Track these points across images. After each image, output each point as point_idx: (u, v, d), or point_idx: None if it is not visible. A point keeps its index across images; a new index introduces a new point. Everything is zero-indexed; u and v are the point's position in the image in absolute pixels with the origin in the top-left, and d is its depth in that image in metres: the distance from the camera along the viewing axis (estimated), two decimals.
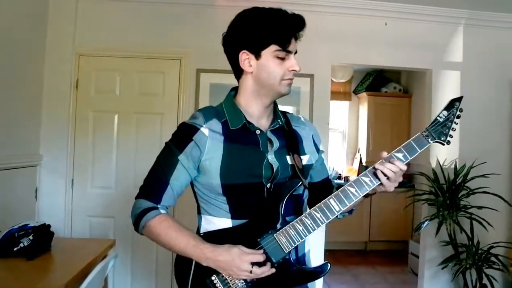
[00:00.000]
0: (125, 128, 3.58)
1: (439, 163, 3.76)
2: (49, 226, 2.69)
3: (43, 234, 2.59)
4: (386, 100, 6.32)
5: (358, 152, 6.60)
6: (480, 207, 3.53)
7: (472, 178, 3.59)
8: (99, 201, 3.55)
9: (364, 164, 6.32)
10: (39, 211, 3.40)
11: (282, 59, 1.36)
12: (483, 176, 3.57)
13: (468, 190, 3.59)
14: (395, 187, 1.36)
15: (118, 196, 3.53)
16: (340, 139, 6.87)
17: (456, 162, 3.75)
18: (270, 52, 1.35)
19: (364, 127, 6.37)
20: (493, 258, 3.50)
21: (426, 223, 3.65)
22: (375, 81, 6.39)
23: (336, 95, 6.38)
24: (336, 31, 3.75)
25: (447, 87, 3.89)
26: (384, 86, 6.40)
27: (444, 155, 3.80)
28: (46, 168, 3.44)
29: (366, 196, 1.38)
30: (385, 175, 1.32)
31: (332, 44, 3.75)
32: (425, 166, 3.87)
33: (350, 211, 1.48)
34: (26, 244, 2.45)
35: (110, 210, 3.52)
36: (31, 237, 2.47)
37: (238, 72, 1.44)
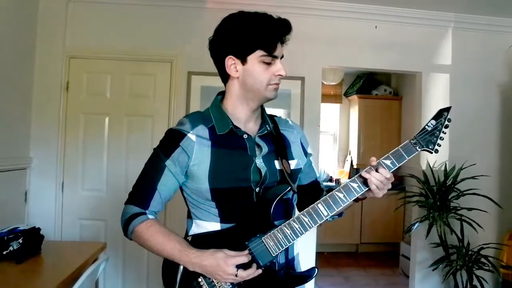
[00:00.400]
0: (116, 130, 3.56)
1: (429, 165, 3.79)
2: (39, 229, 2.67)
3: (33, 237, 2.57)
4: (377, 103, 6.34)
5: (349, 154, 6.62)
6: (470, 209, 3.56)
7: (462, 180, 3.62)
8: (90, 204, 3.52)
9: (355, 166, 6.34)
10: (29, 214, 3.37)
11: (268, 64, 1.36)
12: (472, 177, 3.60)
13: (458, 191, 3.62)
14: (385, 193, 1.37)
15: (109, 199, 3.52)
16: (331, 141, 6.89)
17: (446, 164, 3.77)
18: (256, 57, 1.36)
19: (355, 130, 6.39)
20: (483, 259, 3.52)
21: (416, 225, 3.67)
22: (365, 84, 6.43)
23: (327, 97, 6.41)
24: (327, 34, 3.77)
25: (437, 89, 3.92)
26: (375, 88, 6.43)
27: (434, 157, 3.82)
28: (36, 171, 3.41)
29: (356, 200, 1.39)
30: (372, 183, 1.33)
31: (323, 47, 3.77)
32: (415, 168, 3.89)
33: (340, 214, 1.48)
34: (15, 247, 2.43)
35: (101, 213, 3.50)
36: (20, 241, 2.46)
37: (224, 76, 1.44)
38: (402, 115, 6.32)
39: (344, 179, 6.36)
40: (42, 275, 2.38)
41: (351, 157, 6.50)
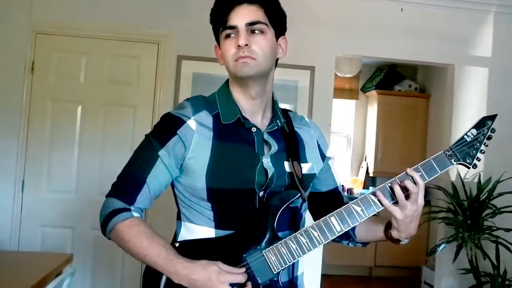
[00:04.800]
0: (90, 122, 3.56)
1: (459, 176, 3.77)
2: None
3: None
4: (400, 100, 6.34)
5: (365, 160, 6.62)
6: (508, 230, 3.55)
7: (499, 195, 3.60)
8: (55, 208, 3.51)
9: (371, 175, 6.32)
10: None
11: (230, 38, 1.38)
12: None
13: (494, 208, 3.60)
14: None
15: (78, 203, 3.51)
16: (344, 144, 6.89)
17: (480, 175, 3.76)
18: (222, 37, 1.40)
19: (373, 131, 6.38)
20: None
21: (442, 246, 3.66)
22: (387, 78, 6.42)
23: (340, 92, 6.39)
24: (343, 17, 3.75)
25: (472, 86, 3.90)
26: (398, 83, 6.43)
27: None
28: None
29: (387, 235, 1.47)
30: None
31: (338, 32, 3.74)
32: (443, 179, 3.86)
33: (364, 243, 1.51)
34: None
35: (68, 219, 3.50)
36: None
37: None
38: (429, 115, 6.30)
39: (358, 189, 6.35)
40: None
41: (367, 164, 6.49)
